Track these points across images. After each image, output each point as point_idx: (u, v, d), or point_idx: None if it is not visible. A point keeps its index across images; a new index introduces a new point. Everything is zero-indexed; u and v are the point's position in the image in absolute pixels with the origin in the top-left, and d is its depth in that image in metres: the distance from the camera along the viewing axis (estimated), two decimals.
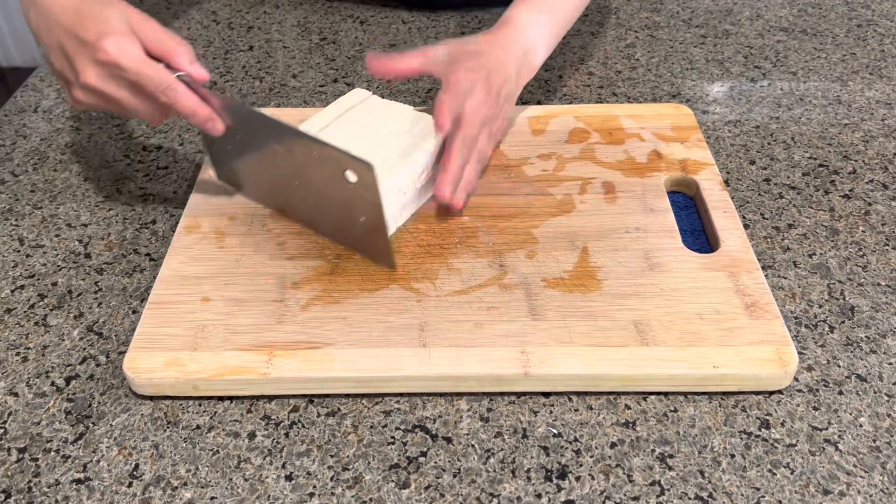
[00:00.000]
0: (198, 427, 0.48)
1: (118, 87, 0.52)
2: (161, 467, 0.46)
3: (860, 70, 0.80)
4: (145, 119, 0.55)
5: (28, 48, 2.64)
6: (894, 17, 0.89)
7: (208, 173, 0.65)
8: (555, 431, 0.47)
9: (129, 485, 0.45)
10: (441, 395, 0.49)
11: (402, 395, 0.49)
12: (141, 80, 0.51)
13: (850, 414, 0.48)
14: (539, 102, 0.76)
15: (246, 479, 0.45)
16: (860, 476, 0.44)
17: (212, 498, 0.44)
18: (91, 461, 0.46)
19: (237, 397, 0.50)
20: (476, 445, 0.47)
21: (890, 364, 0.50)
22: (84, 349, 0.53)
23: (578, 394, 0.49)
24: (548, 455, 0.46)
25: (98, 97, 0.53)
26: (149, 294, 0.54)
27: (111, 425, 0.48)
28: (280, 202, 0.60)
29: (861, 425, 0.47)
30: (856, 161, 0.68)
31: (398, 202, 0.57)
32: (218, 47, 0.87)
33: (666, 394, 0.49)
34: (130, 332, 0.54)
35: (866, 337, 0.52)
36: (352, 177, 0.52)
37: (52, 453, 0.47)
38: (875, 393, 0.49)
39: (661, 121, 0.70)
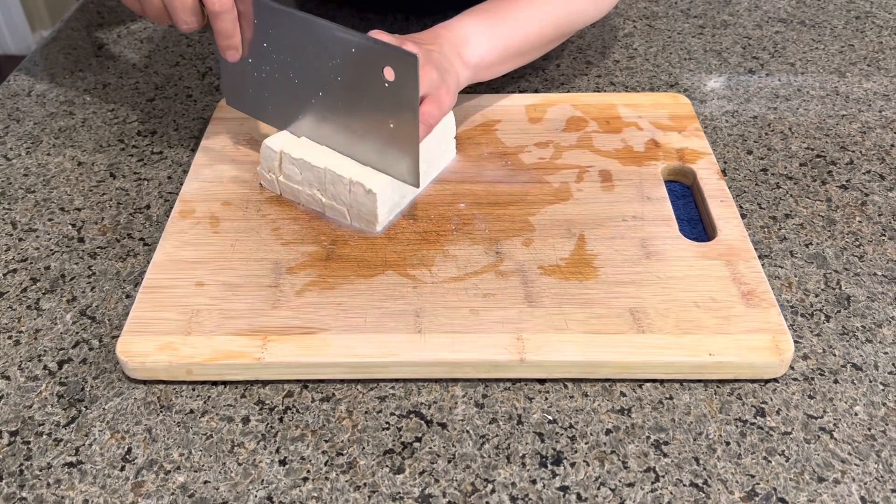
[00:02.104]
0: (191, 411, 0.48)
1: None
2: (154, 451, 0.46)
3: (858, 62, 0.80)
4: (158, 18, 0.54)
5: (22, 36, 2.62)
6: (892, 9, 0.89)
7: (203, 158, 0.64)
8: (550, 418, 0.47)
9: (122, 468, 0.45)
10: (436, 381, 0.49)
11: (396, 380, 0.49)
12: None
13: (846, 402, 0.48)
14: (536, 91, 0.75)
15: (239, 464, 0.45)
16: (855, 464, 0.44)
17: (205, 482, 0.44)
18: (83, 445, 0.46)
19: (231, 382, 0.49)
20: (471, 431, 0.46)
21: (885, 353, 0.50)
22: (77, 333, 0.53)
23: (574, 381, 0.49)
24: (543, 441, 0.46)
25: None
26: (142, 278, 0.54)
27: (104, 409, 0.48)
28: (299, 119, 0.59)
29: (856, 414, 0.47)
30: (853, 152, 0.67)
31: (399, 190, 0.57)
32: (210, 37, 0.86)
33: (661, 381, 0.49)
34: (124, 317, 0.53)
35: (862, 326, 0.52)
36: (390, 75, 0.51)
37: (45, 437, 0.47)
38: (870, 382, 0.49)
39: (659, 110, 0.69)
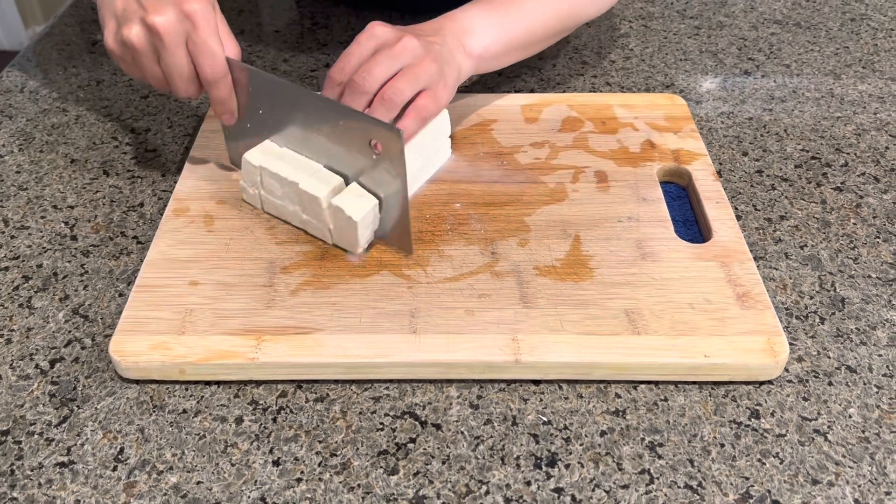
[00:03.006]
0: (184, 411, 0.47)
1: (173, 42, 0.52)
2: (146, 451, 0.45)
3: (853, 64, 0.80)
4: (159, 86, 0.55)
5: (15, 32, 2.60)
6: (888, 11, 0.89)
7: (197, 156, 0.64)
8: (545, 419, 0.47)
9: (114, 468, 0.44)
10: (431, 381, 0.49)
11: (391, 381, 0.49)
12: (201, 48, 0.52)
13: (840, 405, 0.48)
14: (532, 91, 0.75)
15: (233, 464, 0.45)
16: (849, 466, 0.44)
17: (198, 482, 0.44)
18: (75, 444, 0.46)
19: (224, 382, 0.49)
20: (465, 432, 0.46)
21: (879, 356, 0.51)
22: (69, 332, 0.52)
23: (569, 382, 0.49)
24: (537, 443, 0.46)
25: (143, 45, 0.53)
26: (136, 277, 0.54)
27: (96, 409, 0.48)
28: None
29: (850, 416, 0.47)
30: (848, 154, 0.68)
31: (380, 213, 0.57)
32: None
33: (656, 383, 0.49)
34: (116, 316, 0.53)
35: (856, 328, 0.52)
36: (377, 147, 0.51)
37: (36, 436, 0.46)
38: (865, 384, 0.49)
39: (655, 111, 0.69)
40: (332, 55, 0.81)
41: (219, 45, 0.53)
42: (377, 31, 0.57)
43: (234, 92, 0.57)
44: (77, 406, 0.48)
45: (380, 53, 0.56)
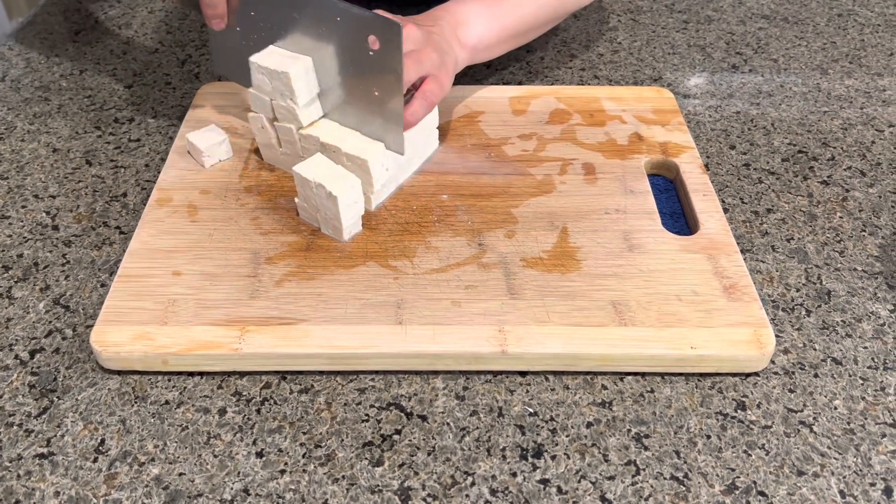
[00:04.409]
0: (166, 402, 0.47)
1: None
2: (128, 442, 0.45)
3: (840, 59, 0.80)
4: None
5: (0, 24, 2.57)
6: (874, 6, 0.89)
7: (182, 146, 0.63)
8: (531, 410, 0.47)
9: (95, 460, 0.44)
10: (417, 373, 0.49)
11: (377, 372, 0.49)
12: None
13: (825, 396, 0.48)
14: (520, 83, 0.75)
15: (215, 456, 0.44)
16: (834, 457, 0.44)
17: (180, 474, 0.43)
18: (55, 436, 0.45)
19: (208, 373, 0.48)
20: (451, 424, 0.46)
21: (865, 348, 0.51)
22: (50, 322, 0.51)
23: (555, 373, 0.49)
24: (523, 434, 0.45)
25: None
26: (118, 267, 0.53)
27: (76, 399, 0.47)
28: None
29: (836, 408, 0.47)
30: (834, 148, 0.68)
31: (380, 179, 0.56)
32: (194, 20, 0.85)
33: (643, 374, 0.49)
34: (98, 306, 0.52)
35: (842, 321, 0.52)
36: (374, 44, 0.51)
37: (15, 427, 0.45)
38: (850, 376, 0.49)
39: (643, 104, 0.69)
40: None
41: None
42: None
43: None
44: (57, 397, 0.47)
45: None
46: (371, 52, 0.52)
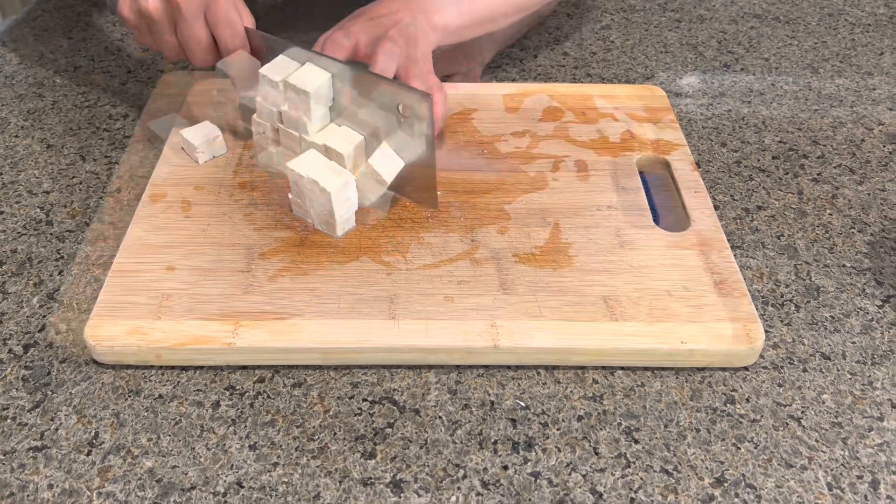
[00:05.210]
0: (160, 396, 0.47)
1: (192, 14, 0.54)
2: (121, 436, 0.45)
3: (831, 58, 0.81)
4: (173, 55, 0.58)
5: None
6: (865, 6, 0.90)
7: (176, 142, 0.63)
8: (522, 404, 0.47)
9: (88, 453, 0.44)
10: (409, 367, 0.49)
11: (369, 367, 0.49)
12: (221, 19, 0.55)
13: (814, 391, 0.48)
14: (514, 80, 0.75)
15: (209, 449, 0.44)
16: (822, 451, 0.45)
17: (173, 466, 0.43)
18: (49, 429, 0.45)
19: (201, 367, 0.49)
20: (444, 417, 0.46)
21: (853, 343, 0.51)
22: (44, 317, 0.52)
23: (547, 368, 0.49)
24: (515, 427, 0.46)
25: (161, 16, 0.54)
26: (112, 262, 0.53)
27: (70, 393, 0.47)
28: None
29: (824, 402, 0.48)
30: (824, 146, 0.68)
31: (379, 191, 0.57)
32: None
33: (633, 369, 0.49)
34: (92, 301, 0.52)
35: (831, 316, 0.53)
36: (405, 111, 0.53)
37: (9, 421, 0.46)
38: (838, 371, 0.49)
39: (635, 102, 0.70)
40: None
41: (237, 15, 0.55)
42: (353, 31, 0.58)
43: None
44: (51, 391, 0.47)
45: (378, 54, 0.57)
46: (401, 119, 0.54)
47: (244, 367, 0.49)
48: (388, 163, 0.56)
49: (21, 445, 0.44)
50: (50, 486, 0.42)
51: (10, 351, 0.49)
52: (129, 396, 0.47)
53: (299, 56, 0.56)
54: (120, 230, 0.58)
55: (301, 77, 0.55)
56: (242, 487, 0.43)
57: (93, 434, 0.45)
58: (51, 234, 0.58)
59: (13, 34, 0.82)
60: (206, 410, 0.46)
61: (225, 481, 0.43)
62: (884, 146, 0.68)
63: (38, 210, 0.60)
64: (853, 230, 0.60)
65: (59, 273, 0.55)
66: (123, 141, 0.67)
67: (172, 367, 0.49)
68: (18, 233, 0.58)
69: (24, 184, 0.62)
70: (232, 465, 0.44)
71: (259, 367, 0.49)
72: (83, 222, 0.59)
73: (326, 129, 0.57)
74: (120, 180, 0.62)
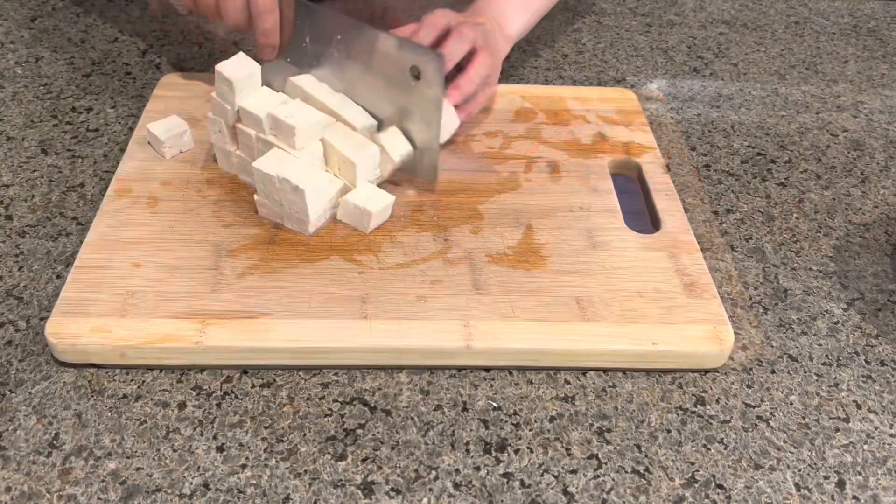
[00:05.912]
0: (124, 396, 0.46)
1: None
2: (83, 437, 0.44)
3: (797, 65, 0.82)
4: (210, 14, 0.61)
5: None
6: (829, 15, 0.92)
7: (142, 136, 0.62)
8: (495, 405, 0.47)
9: (48, 455, 0.43)
10: (381, 368, 0.48)
11: (340, 367, 0.48)
12: None
13: (782, 392, 0.49)
14: None
15: (175, 450, 0.43)
16: (790, 451, 0.45)
17: (137, 468, 0.42)
18: (7, 430, 0.44)
19: (167, 367, 0.48)
20: (415, 418, 0.46)
21: (819, 345, 0.52)
22: (2, 314, 0.50)
23: (519, 368, 0.49)
24: (487, 428, 0.46)
25: None
26: (74, 259, 0.52)
27: (30, 393, 0.46)
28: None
29: (791, 403, 0.48)
30: (791, 151, 0.69)
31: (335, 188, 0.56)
32: (155, 10, 0.84)
33: (605, 370, 0.49)
34: (54, 298, 0.51)
35: (798, 319, 0.54)
36: (416, 74, 0.54)
37: None
38: (805, 372, 0.50)
39: (607, 104, 0.70)
40: None
41: None
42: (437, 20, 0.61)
43: (280, 27, 0.60)
44: (9, 390, 0.46)
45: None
46: (413, 83, 0.54)
47: (211, 367, 0.48)
48: (398, 142, 0.57)
49: None
50: (8, 489, 0.41)
51: None
52: (92, 396, 0.46)
53: (329, 21, 0.57)
54: (83, 225, 0.56)
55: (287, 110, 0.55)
56: (209, 490, 0.42)
57: (53, 435, 0.44)
58: (10, 228, 0.56)
59: None
60: (172, 411, 0.45)
61: (191, 483, 0.42)
62: (848, 152, 0.69)
63: None
64: (819, 234, 0.61)
65: (19, 269, 0.53)
66: (87, 134, 0.65)
67: (137, 367, 0.47)
68: None
69: None
70: (198, 467, 0.43)
71: (227, 366, 0.48)
72: (44, 217, 0.57)
73: (341, 101, 0.58)
74: (84, 174, 0.60)
